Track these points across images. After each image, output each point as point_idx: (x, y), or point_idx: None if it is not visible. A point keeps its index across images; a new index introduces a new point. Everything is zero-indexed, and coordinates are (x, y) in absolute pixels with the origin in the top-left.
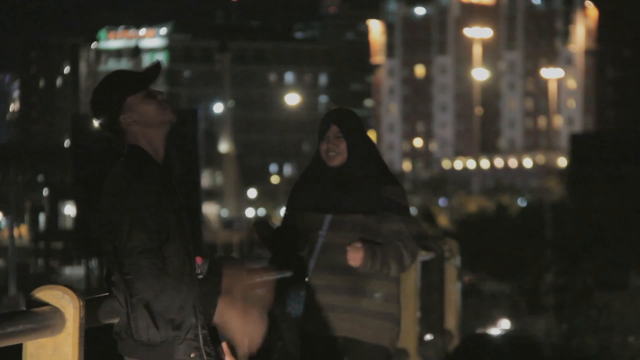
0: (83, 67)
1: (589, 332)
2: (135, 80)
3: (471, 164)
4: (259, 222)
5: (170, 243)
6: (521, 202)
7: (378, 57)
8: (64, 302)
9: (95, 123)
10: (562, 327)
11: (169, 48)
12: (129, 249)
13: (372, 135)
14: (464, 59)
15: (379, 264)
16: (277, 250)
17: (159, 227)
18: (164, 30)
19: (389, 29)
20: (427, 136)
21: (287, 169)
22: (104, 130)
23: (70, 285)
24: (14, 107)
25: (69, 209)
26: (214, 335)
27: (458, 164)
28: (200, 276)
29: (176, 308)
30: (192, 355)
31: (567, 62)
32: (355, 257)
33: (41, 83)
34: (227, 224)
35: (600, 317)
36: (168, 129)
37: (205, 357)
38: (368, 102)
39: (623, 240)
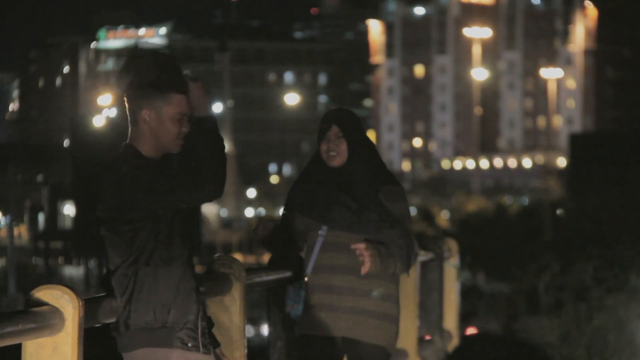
0: (83, 67)
1: (587, 331)
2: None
3: (470, 164)
4: (259, 221)
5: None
6: (521, 201)
7: (377, 56)
8: (63, 301)
9: (122, 88)
10: (561, 326)
11: (169, 48)
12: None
13: (371, 135)
14: (463, 58)
15: (385, 263)
16: (277, 250)
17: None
18: (163, 30)
19: (389, 29)
20: (427, 136)
21: (287, 169)
22: (127, 99)
23: (69, 284)
24: (13, 106)
25: (69, 209)
26: (213, 338)
27: (457, 164)
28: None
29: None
30: (189, 345)
31: (566, 62)
32: (365, 263)
33: (41, 82)
34: (226, 223)
35: (599, 317)
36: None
37: (201, 348)
38: (367, 102)
39: (622, 240)
